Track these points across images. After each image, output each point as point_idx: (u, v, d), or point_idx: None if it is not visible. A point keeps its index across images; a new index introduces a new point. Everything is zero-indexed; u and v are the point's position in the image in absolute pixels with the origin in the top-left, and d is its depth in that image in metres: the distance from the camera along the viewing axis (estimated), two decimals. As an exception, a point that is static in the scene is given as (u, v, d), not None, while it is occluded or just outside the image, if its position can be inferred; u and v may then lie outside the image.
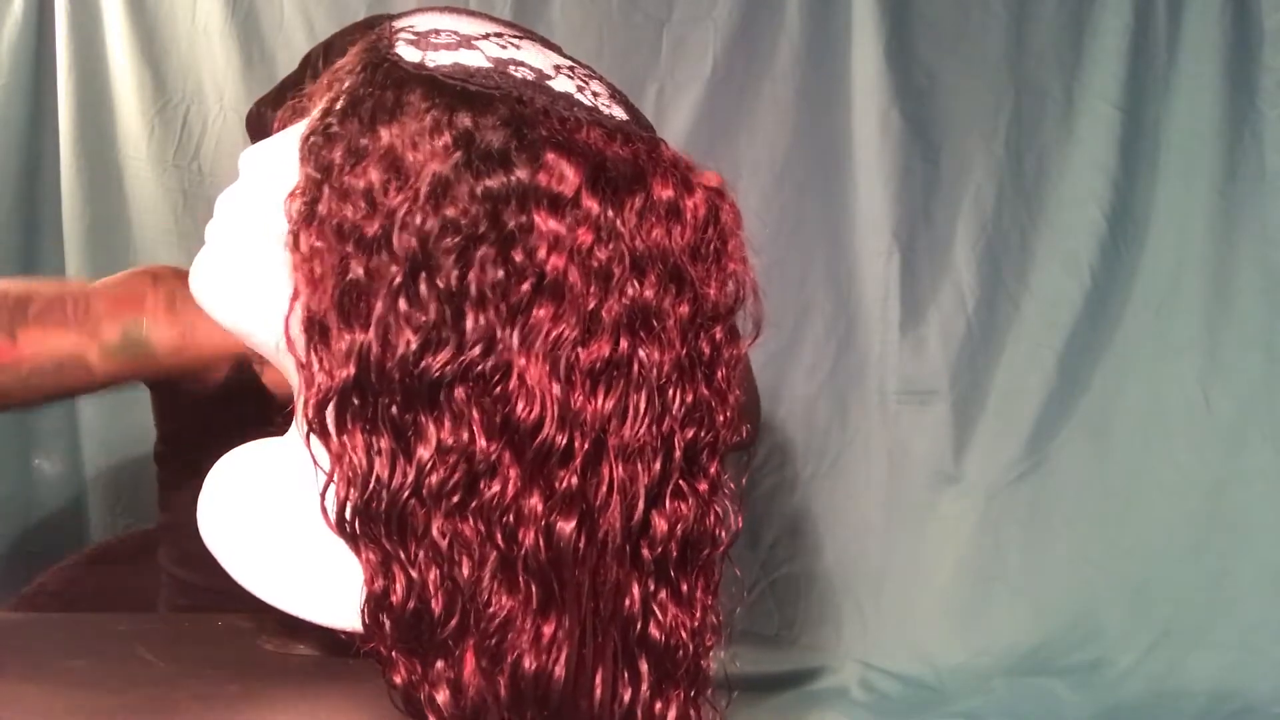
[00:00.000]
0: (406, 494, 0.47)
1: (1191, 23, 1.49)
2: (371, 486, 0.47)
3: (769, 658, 1.52)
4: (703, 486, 0.52)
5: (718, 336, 0.52)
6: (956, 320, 1.55)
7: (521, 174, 0.47)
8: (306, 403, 0.49)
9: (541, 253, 0.46)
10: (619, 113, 0.52)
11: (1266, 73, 1.48)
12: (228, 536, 0.57)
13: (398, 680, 0.48)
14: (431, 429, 0.47)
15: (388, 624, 0.48)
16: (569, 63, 0.54)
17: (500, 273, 0.46)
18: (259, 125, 1.01)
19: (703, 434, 0.51)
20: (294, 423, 0.60)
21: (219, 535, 0.57)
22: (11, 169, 1.55)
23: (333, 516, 0.49)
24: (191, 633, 0.69)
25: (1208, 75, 1.49)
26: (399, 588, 0.48)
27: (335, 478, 0.49)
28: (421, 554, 0.47)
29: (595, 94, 0.52)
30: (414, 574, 0.47)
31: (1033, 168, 1.55)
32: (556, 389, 0.46)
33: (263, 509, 0.57)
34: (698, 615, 0.52)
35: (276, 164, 0.54)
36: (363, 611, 0.49)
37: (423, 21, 0.53)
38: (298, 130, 0.56)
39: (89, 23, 1.55)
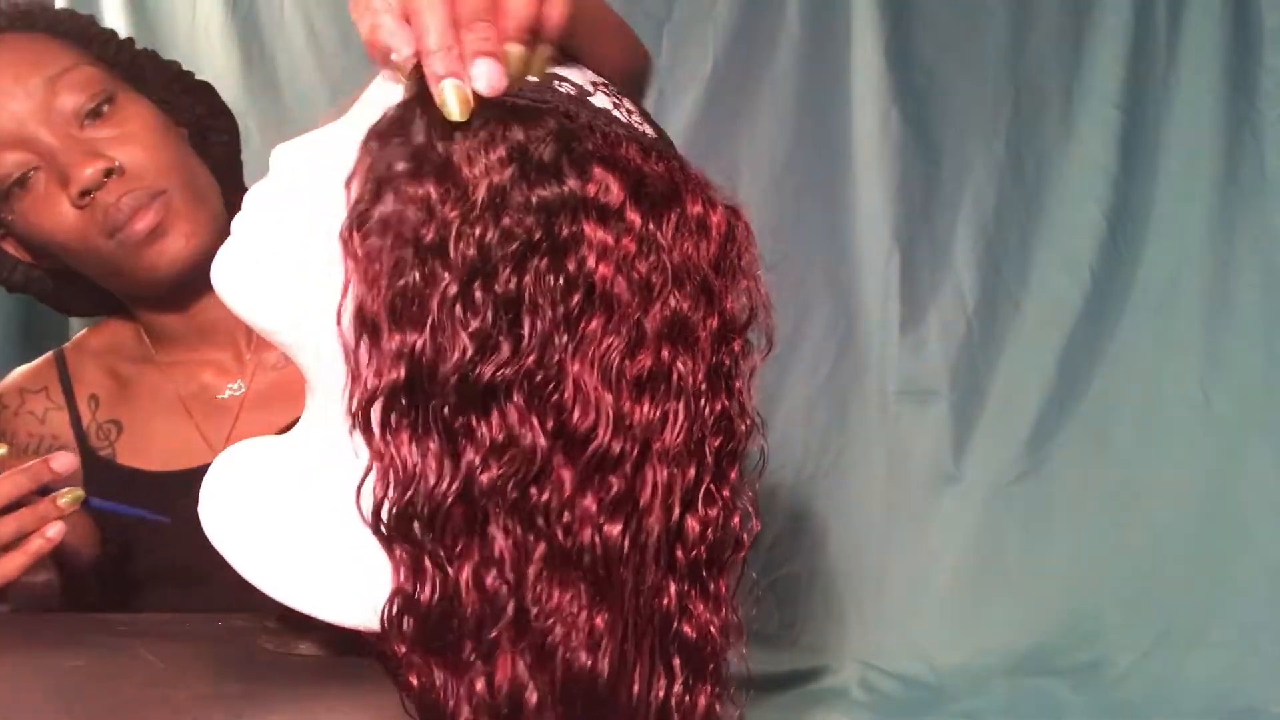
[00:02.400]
0: (452, 496, 0.48)
1: (1191, 23, 1.49)
2: (416, 486, 0.48)
3: (769, 658, 1.52)
4: (727, 492, 0.54)
5: (736, 349, 0.54)
6: (956, 320, 1.55)
7: (572, 184, 0.48)
8: (350, 398, 0.50)
9: (591, 262, 0.48)
10: (650, 131, 0.54)
11: (1266, 73, 1.48)
12: (231, 531, 0.57)
13: (414, 682, 0.48)
14: (483, 432, 0.48)
15: (411, 623, 0.48)
16: (603, 80, 0.55)
17: (554, 280, 0.48)
18: None
19: (727, 442, 0.53)
20: (302, 420, 0.60)
21: (221, 530, 0.58)
22: (11, 169, 1.55)
23: (367, 514, 0.49)
24: (191, 633, 0.69)
25: (1208, 75, 1.49)
26: (429, 587, 0.48)
27: (374, 475, 0.49)
28: (458, 553, 0.48)
29: (629, 111, 0.54)
30: (449, 572, 0.48)
31: (1033, 168, 1.55)
32: (609, 397, 0.48)
33: (266, 505, 0.57)
34: (723, 614, 0.54)
35: (315, 163, 0.55)
36: (386, 610, 0.49)
37: None
38: (337, 129, 0.56)
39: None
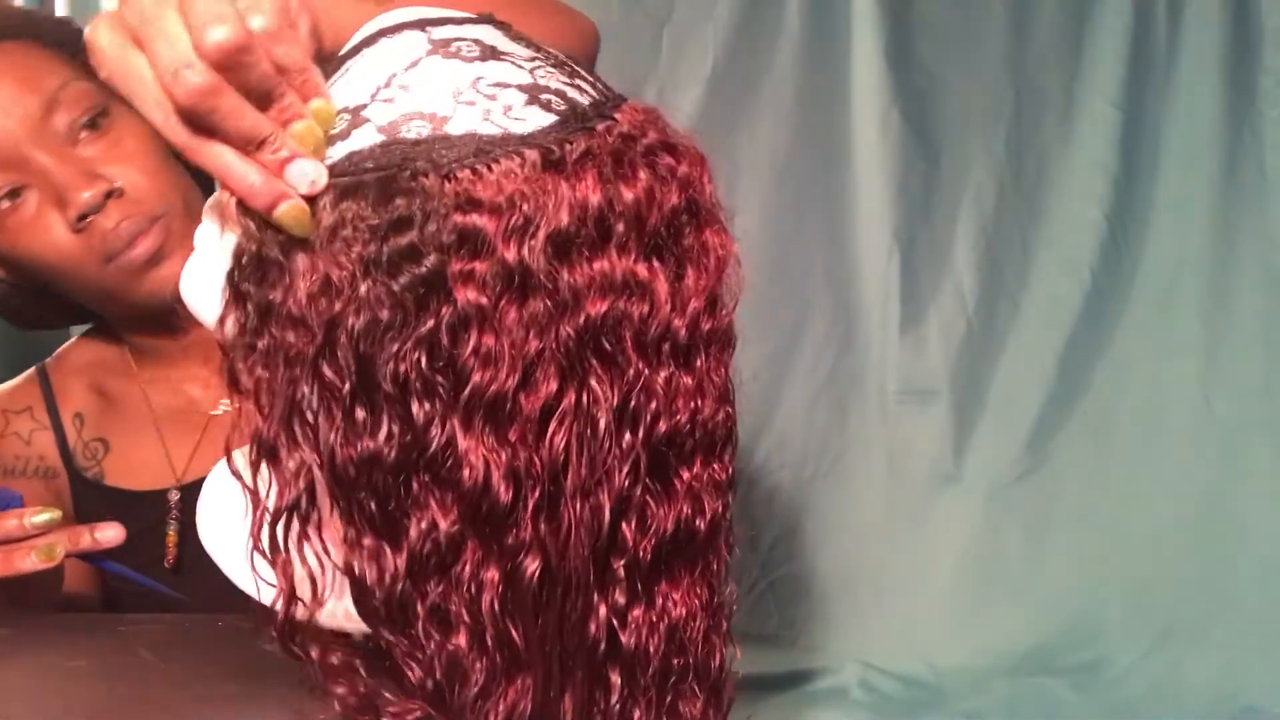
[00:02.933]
0: (400, 584, 0.47)
1: (1191, 23, 1.49)
2: (364, 586, 0.48)
3: (769, 658, 1.52)
4: (686, 476, 0.51)
5: (693, 310, 0.50)
6: (956, 320, 1.55)
7: (431, 260, 0.45)
8: (255, 524, 0.49)
9: (472, 333, 0.46)
10: (538, 118, 0.48)
11: (1266, 73, 1.48)
12: (220, 538, 0.57)
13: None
14: (410, 519, 0.47)
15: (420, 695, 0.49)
16: (474, 75, 0.49)
17: (437, 359, 0.46)
18: None
19: (680, 421, 0.50)
20: None
21: (213, 537, 0.58)
22: (11, 169, 1.55)
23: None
24: (192, 633, 0.69)
25: (1208, 75, 1.49)
26: (413, 673, 0.49)
27: (282, 588, 0.49)
28: (420, 635, 0.48)
29: (506, 107, 0.48)
30: (419, 655, 0.48)
31: (1033, 168, 1.55)
32: (501, 448, 0.46)
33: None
34: (678, 612, 0.51)
35: None
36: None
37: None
38: None
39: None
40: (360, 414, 0.46)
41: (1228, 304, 1.50)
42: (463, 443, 0.46)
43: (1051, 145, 1.54)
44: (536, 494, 0.47)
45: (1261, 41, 1.48)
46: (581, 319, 0.47)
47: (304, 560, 0.49)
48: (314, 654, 0.51)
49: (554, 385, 0.47)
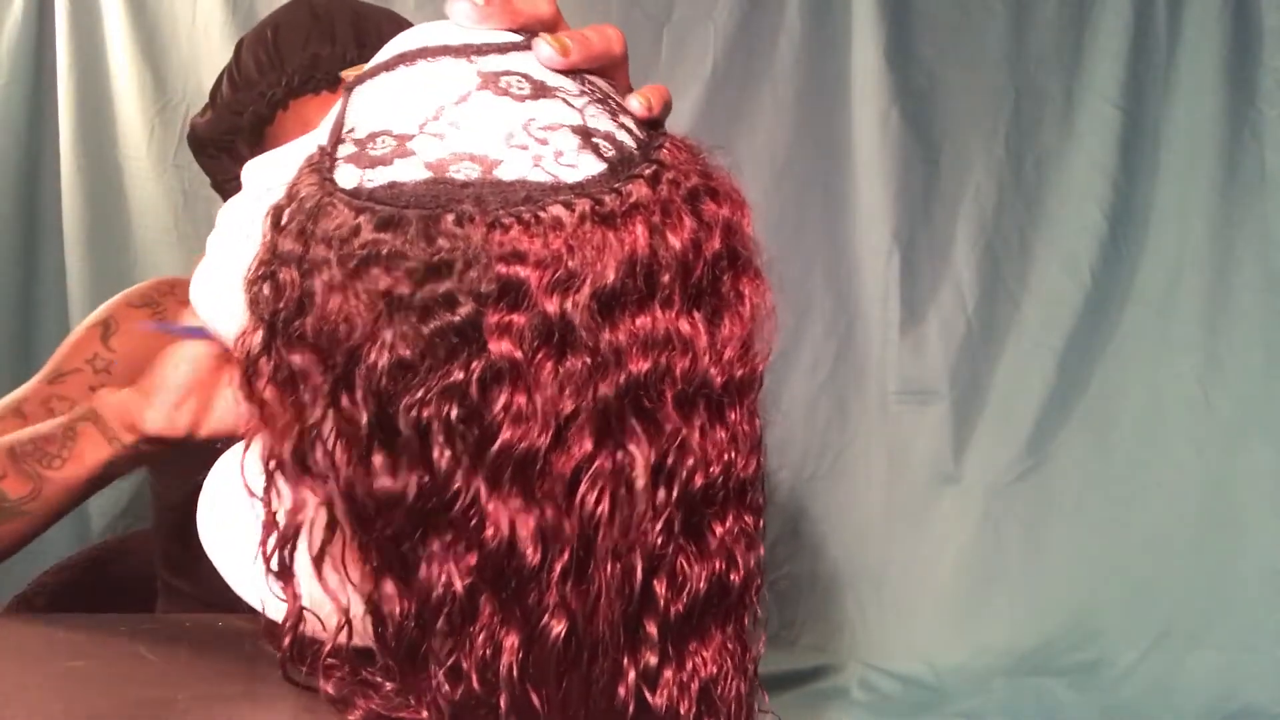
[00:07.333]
0: (412, 628, 0.46)
1: (1191, 23, 1.49)
2: (380, 617, 0.47)
3: (769, 658, 1.51)
4: (719, 530, 0.49)
5: (727, 358, 0.48)
6: (956, 320, 1.55)
7: (466, 310, 0.44)
8: (263, 542, 0.48)
9: (504, 388, 0.44)
10: (589, 165, 0.47)
11: (1266, 73, 1.48)
12: (223, 542, 0.57)
13: None
14: (426, 569, 0.46)
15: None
16: (525, 117, 0.47)
17: (464, 411, 0.44)
18: (195, 142, 0.96)
19: (715, 474, 0.48)
20: None
21: (215, 541, 0.58)
22: (11, 169, 1.55)
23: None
24: (192, 633, 0.69)
25: (1208, 75, 1.49)
26: (429, 712, 0.48)
27: (293, 615, 0.49)
28: (433, 681, 0.47)
29: (558, 153, 0.46)
30: (433, 696, 0.47)
31: (1033, 168, 1.55)
32: (529, 508, 0.44)
33: (249, 513, 0.57)
34: (709, 671, 0.49)
35: (279, 179, 0.52)
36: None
37: (365, 117, 0.49)
38: (300, 145, 0.55)
39: (89, 23, 1.55)
40: (379, 453, 0.45)
41: (1228, 304, 1.50)
42: (487, 500, 0.44)
43: (1051, 145, 1.54)
44: (565, 556, 0.45)
45: (1261, 41, 1.48)
46: (623, 378, 0.45)
47: (324, 582, 0.48)
48: (326, 674, 0.49)
49: (589, 445, 0.44)
